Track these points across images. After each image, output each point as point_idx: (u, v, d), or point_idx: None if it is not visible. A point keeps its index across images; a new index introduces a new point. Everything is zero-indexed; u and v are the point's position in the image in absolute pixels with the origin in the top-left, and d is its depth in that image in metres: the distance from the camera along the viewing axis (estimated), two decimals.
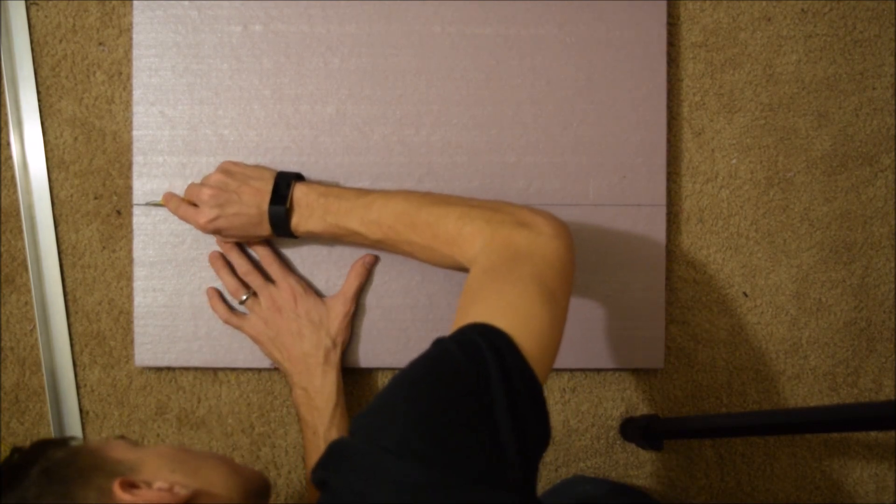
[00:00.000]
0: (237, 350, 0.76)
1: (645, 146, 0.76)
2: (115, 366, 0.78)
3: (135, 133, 0.75)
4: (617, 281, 0.77)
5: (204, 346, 0.76)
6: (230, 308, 0.74)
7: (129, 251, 0.77)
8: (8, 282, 0.78)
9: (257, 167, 0.70)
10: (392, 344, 0.76)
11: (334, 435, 0.70)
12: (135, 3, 0.75)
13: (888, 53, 0.80)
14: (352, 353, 0.76)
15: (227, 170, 0.69)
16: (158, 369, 0.78)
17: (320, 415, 0.71)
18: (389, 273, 0.76)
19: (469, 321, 0.48)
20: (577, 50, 0.76)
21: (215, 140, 0.75)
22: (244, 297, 0.73)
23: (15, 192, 0.77)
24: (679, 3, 0.79)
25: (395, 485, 0.40)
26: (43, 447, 0.51)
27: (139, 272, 0.75)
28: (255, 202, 0.67)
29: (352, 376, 0.78)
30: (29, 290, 0.78)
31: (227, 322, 0.74)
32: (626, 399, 0.81)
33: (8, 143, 0.77)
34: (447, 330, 0.49)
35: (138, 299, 0.75)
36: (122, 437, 0.58)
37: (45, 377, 0.78)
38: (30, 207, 0.77)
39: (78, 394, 0.78)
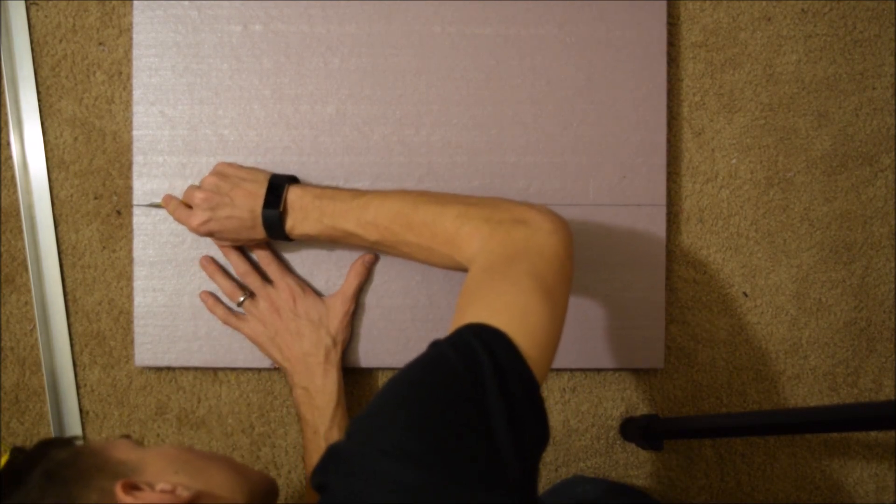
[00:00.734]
0: (237, 350, 0.76)
1: (645, 146, 0.76)
2: (115, 366, 0.78)
3: (135, 133, 0.75)
4: (617, 281, 0.77)
5: (204, 346, 0.76)
6: (229, 309, 0.74)
7: (129, 251, 0.77)
8: (8, 282, 0.78)
9: (252, 169, 0.70)
10: (392, 344, 0.76)
11: (335, 434, 0.71)
12: (135, 3, 0.75)
13: (888, 53, 0.80)
14: (352, 353, 0.76)
15: (220, 172, 0.69)
16: (158, 369, 0.78)
17: (321, 414, 0.71)
18: (389, 273, 0.76)
19: (466, 321, 0.48)
20: (577, 50, 0.76)
21: (215, 140, 0.75)
22: (241, 299, 0.73)
23: (15, 192, 0.77)
24: (679, 3, 0.79)
25: (393, 487, 0.40)
26: (46, 447, 0.51)
27: (139, 272, 0.75)
28: (248, 205, 0.66)
29: (352, 376, 0.78)
30: (29, 290, 0.78)
31: (226, 323, 0.74)
32: (626, 399, 0.81)
33: (8, 143, 0.77)
34: (447, 330, 0.49)
35: (138, 299, 0.75)
36: (126, 436, 0.57)
37: (45, 377, 0.78)
38: (30, 207, 0.77)
39: (78, 394, 0.78)
